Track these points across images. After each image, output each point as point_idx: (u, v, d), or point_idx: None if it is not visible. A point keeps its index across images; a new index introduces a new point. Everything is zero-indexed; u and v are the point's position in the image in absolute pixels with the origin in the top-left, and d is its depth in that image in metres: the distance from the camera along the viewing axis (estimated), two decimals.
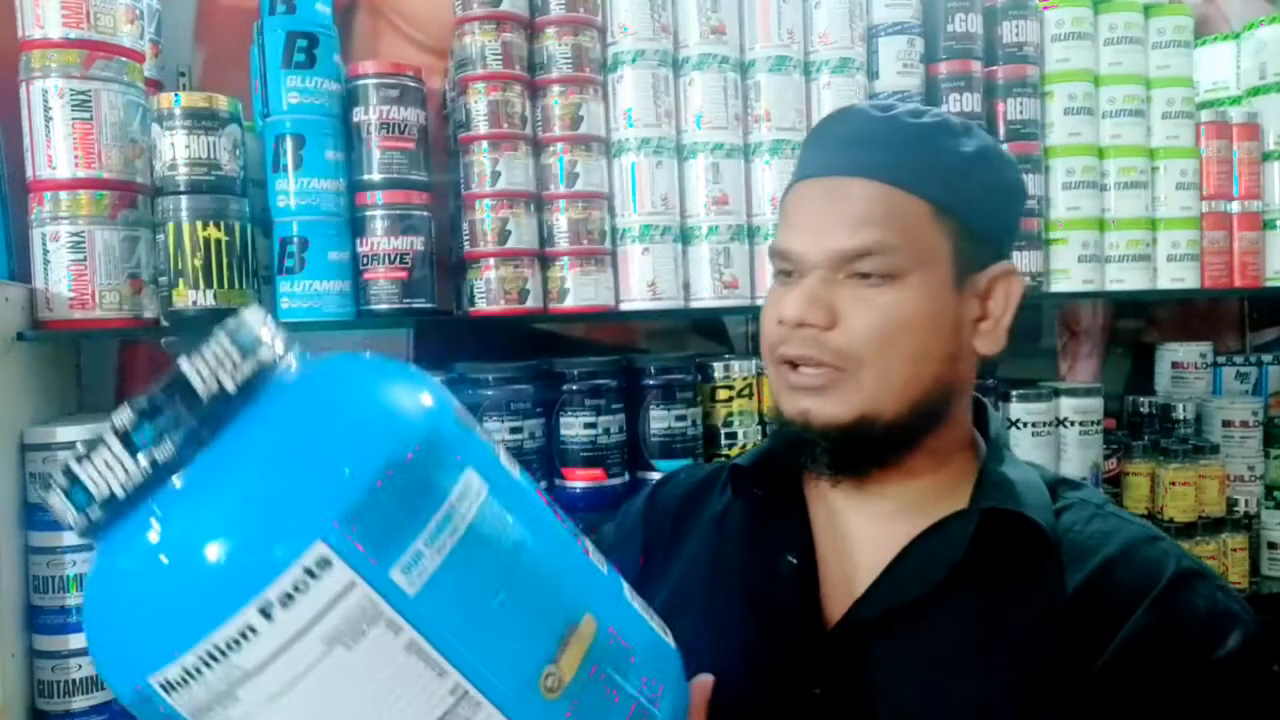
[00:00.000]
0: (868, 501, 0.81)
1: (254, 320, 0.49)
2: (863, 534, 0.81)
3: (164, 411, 0.45)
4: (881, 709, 0.74)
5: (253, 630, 0.43)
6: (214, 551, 0.44)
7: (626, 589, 0.63)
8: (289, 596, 0.43)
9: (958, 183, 0.77)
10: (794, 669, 0.77)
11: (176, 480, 0.45)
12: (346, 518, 0.44)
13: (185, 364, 0.46)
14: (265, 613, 0.43)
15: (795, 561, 0.82)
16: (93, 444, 0.45)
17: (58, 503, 0.46)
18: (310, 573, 0.44)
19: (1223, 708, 0.70)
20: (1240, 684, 0.70)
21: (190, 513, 0.45)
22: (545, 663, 0.51)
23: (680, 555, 0.91)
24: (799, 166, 0.84)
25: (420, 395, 0.52)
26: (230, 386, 0.46)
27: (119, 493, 0.45)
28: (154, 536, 0.45)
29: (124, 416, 0.45)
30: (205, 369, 0.46)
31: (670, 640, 0.64)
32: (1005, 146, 0.86)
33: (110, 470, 0.45)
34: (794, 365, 0.78)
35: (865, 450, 0.78)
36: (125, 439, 0.45)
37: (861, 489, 0.81)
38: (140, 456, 0.45)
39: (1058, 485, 0.82)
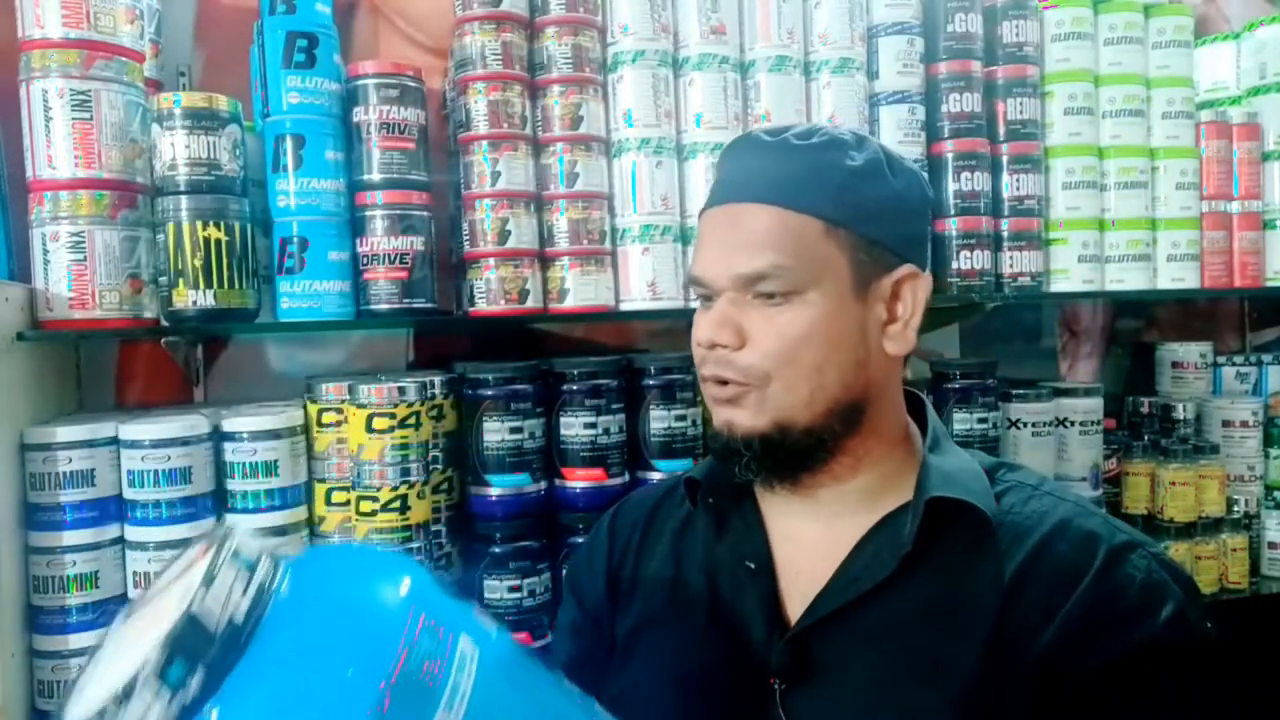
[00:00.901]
0: (811, 505, 0.85)
1: (245, 541, 0.54)
2: (815, 535, 0.85)
3: (187, 647, 0.48)
4: (838, 698, 0.79)
5: None
6: None
7: (595, 705, 0.69)
8: None
9: (847, 197, 0.81)
10: (757, 668, 0.81)
11: (210, 710, 0.49)
12: (376, 711, 0.49)
13: (198, 601, 0.49)
14: None
15: (753, 566, 0.86)
16: (128, 690, 0.48)
17: None
18: None
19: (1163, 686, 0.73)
20: (1176, 649, 0.74)
21: None
22: None
23: (647, 567, 0.95)
24: (708, 195, 0.88)
25: (403, 580, 0.56)
26: (240, 618, 0.50)
27: None
28: None
29: (152, 658, 0.48)
30: (218, 600, 0.50)
31: None
32: (898, 153, 0.88)
33: (149, 711, 0.48)
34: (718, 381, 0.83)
35: (787, 456, 0.82)
36: (160, 677, 0.48)
37: (798, 494, 0.85)
38: (176, 693, 0.48)
39: (995, 470, 0.87)
